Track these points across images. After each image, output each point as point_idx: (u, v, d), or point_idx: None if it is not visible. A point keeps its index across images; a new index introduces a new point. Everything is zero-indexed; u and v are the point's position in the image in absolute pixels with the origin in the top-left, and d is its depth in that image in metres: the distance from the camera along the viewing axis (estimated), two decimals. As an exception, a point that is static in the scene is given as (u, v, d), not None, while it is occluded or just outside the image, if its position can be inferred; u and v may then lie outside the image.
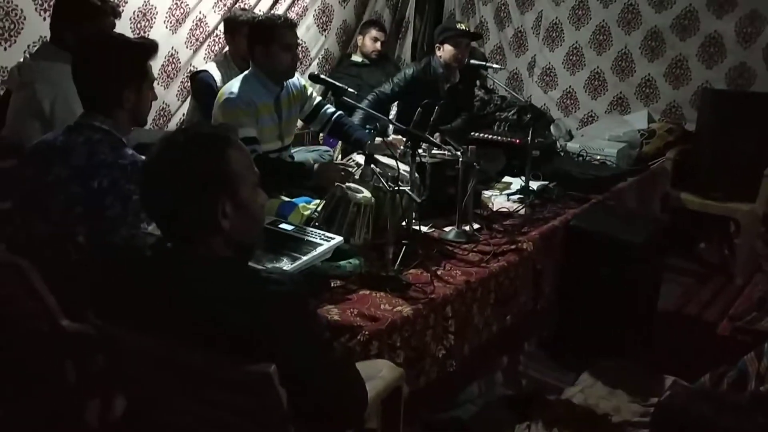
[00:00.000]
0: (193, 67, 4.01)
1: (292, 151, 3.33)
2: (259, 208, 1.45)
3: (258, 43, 2.83)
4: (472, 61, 3.81)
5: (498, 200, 3.23)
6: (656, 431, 1.47)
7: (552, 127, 4.64)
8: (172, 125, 3.97)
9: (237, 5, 4.15)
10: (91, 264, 1.52)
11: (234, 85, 2.80)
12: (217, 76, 3.62)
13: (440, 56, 3.81)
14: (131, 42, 2.03)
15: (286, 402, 1.20)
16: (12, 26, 3.16)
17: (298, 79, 3.04)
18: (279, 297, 1.27)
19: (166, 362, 1.26)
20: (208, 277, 1.29)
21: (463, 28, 3.93)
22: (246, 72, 2.87)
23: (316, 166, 2.73)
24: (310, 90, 3.10)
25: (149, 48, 2.05)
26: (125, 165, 1.87)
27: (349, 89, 2.94)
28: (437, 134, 3.20)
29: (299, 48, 4.58)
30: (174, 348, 1.23)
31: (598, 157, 3.99)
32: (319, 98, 3.15)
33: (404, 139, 3.11)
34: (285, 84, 2.92)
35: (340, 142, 3.81)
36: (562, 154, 4.09)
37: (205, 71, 3.73)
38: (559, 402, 2.58)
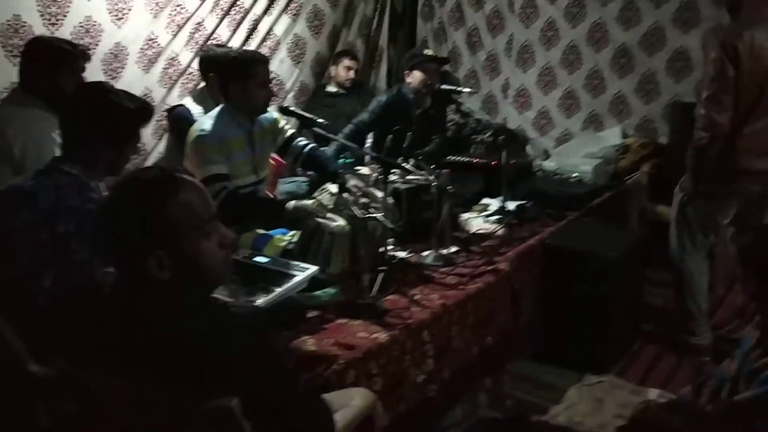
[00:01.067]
0: (168, 105, 4.02)
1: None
2: (210, 254, 1.37)
3: (232, 80, 2.83)
4: (444, 86, 3.85)
5: (476, 222, 3.25)
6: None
7: (528, 147, 4.69)
8: (148, 164, 3.97)
9: (209, 42, 4.18)
10: (55, 307, 1.52)
11: (205, 122, 2.81)
12: (194, 110, 3.62)
13: (410, 82, 3.85)
14: (127, 107, 1.99)
15: (252, 435, 1.20)
16: (-17, 74, 3.18)
17: (271, 113, 3.05)
18: (237, 330, 1.27)
19: (131, 400, 1.25)
20: (164, 313, 1.29)
21: (430, 53, 3.97)
22: (218, 108, 2.88)
23: (289, 204, 2.72)
24: (282, 123, 3.11)
25: (144, 113, 2.05)
26: (91, 209, 1.86)
27: (319, 120, 2.96)
28: (411, 160, 3.22)
29: (275, 82, 4.63)
30: (137, 386, 1.22)
31: (575, 175, 4.03)
32: (291, 131, 3.17)
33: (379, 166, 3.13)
34: (257, 118, 2.94)
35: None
36: (539, 173, 4.13)
37: (182, 105, 3.74)
38: (542, 423, 2.57)
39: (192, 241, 1.34)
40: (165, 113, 3.95)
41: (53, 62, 2.57)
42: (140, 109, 2.03)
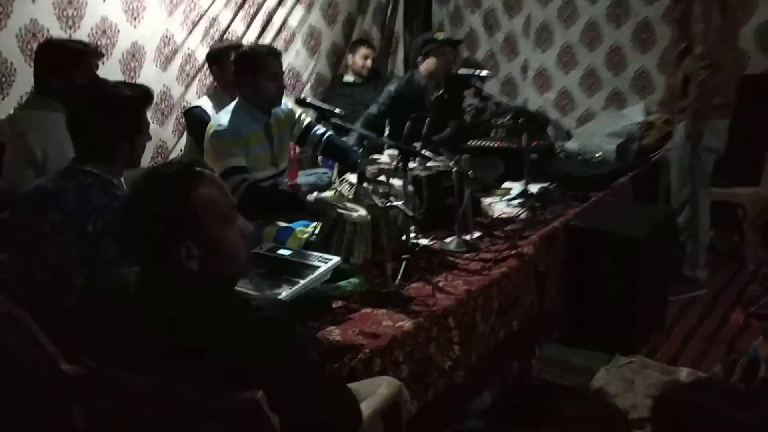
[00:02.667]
0: (187, 102, 4.05)
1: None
2: (234, 244, 1.41)
3: (244, 74, 2.85)
4: (460, 71, 3.81)
5: (498, 206, 3.23)
6: (657, 426, 1.45)
7: (550, 129, 4.64)
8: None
9: (224, 37, 4.19)
10: (85, 307, 1.53)
11: (222, 117, 2.82)
12: (210, 110, 3.65)
13: (426, 69, 3.81)
14: (126, 94, 2.00)
15: (279, 426, 1.20)
16: (4, 79, 3.21)
17: (286, 104, 3.06)
18: (260, 323, 1.27)
19: (157, 397, 1.26)
20: (189, 309, 1.30)
21: (443, 36, 3.93)
22: (233, 103, 2.89)
23: (310, 198, 2.73)
24: (298, 113, 3.12)
25: (144, 98, 2.05)
26: (117, 207, 1.87)
27: (336, 110, 2.95)
28: (430, 146, 3.20)
29: (291, 73, 4.64)
30: (163, 382, 1.23)
31: (598, 155, 3.98)
32: (308, 119, 3.17)
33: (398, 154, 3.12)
34: (273, 110, 2.94)
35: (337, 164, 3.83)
36: (562, 154, 4.09)
37: (198, 106, 3.77)
38: (573, 405, 2.56)
39: (217, 229, 1.37)
40: (182, 113, 3.98)
41: (66, 63, 2.58)
42: (140, 95, 2.04)
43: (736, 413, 1.28)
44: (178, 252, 1.32)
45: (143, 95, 2.05)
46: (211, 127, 2.82)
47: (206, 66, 4.09)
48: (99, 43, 3.49)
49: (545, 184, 3.43)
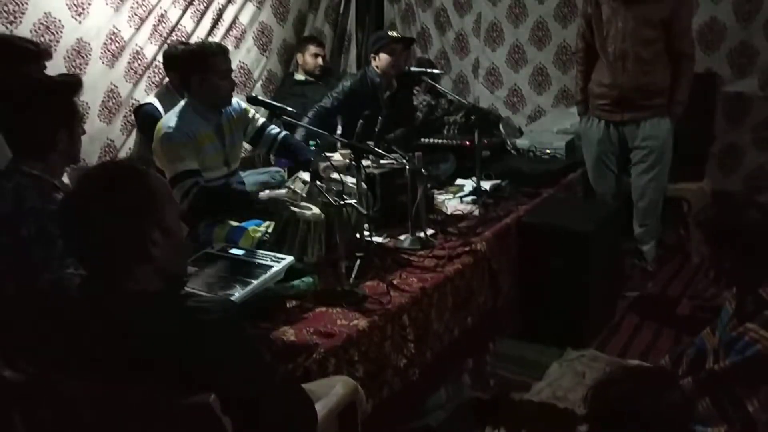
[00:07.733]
0: (135, 100, 3.96)
1: (243, 174, 3.31)
2: (183, 236, 1.44)
3: (194, 73, 2.78)
4: (412, 69, 3.82)
5: (451, 203, 3.25)
6: (592, 417, 1.49)
7: (501, 126, 4.69)
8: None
9: (173, 34, 4.12)
10: (22, 312, 1.49)
11: (171, 118, 2.75)
12: (160, 108, 3.58)
13: (377, 66, 3.81)
14: (54, 82, 1.97)
15: (232, 429, 1.19)
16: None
17: (239, 103, 3.01)
18: (208, 325, 1.26)
19: (107, 403, 1.23)
20: (138, 312, 1.28)
21: (396, 35, 3.95)
22: (181, 103, 2.83)
23: (262, 195, 2.71)
24: (251, 112, 3.07)
25: (73, 84, 1.99)
26: (54, 211, 1.82)
27: (288, 108, 2.92)
28: (383, 144, 3.20)
29: (242, 71, 4.59)
30: (113, 387, 1.21)
31: (548, 151, 4.04)
32: (262, 120, 3.13)
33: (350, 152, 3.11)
34: (224, 110, 2.89)
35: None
36: (513, 151, 4.14)
37: (149, 104, 3.69)
38: (524, 402, 2.59)
39: (173, 218, 1.40)
40: (131, 110, 3.89)
41: (16, 62, 2.48)
42: (67, 80, 2.01)
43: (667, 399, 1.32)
44: (145, 237, 1.32)
45: (69, 81, 2.01)
46: (160, 129, 2.74)
47: (155, 63, 4.01)
48: (42, 39, 3.38)
49: (497, 181, 3.47)
